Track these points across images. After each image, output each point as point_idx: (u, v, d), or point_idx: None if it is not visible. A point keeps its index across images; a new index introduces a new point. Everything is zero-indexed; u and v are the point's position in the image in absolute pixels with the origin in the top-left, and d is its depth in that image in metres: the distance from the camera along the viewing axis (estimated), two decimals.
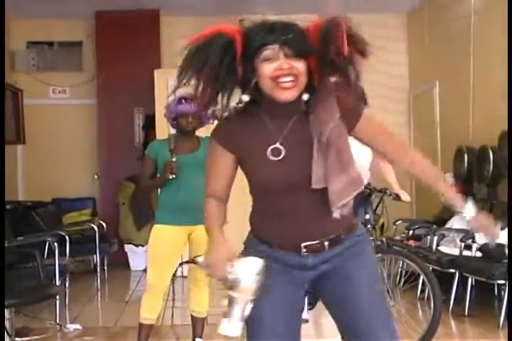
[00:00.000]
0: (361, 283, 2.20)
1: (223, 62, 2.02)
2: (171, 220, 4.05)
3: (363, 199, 4.48)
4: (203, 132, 4.30)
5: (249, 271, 1.99)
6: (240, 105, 2.12)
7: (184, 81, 2.07)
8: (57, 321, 5.12)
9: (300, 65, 2.01)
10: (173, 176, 3.99)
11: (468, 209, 2.22)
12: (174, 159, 4.00)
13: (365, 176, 4.56)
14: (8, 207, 6.66)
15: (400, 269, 5.64)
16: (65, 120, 8.68)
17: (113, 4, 7.89)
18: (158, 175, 4.15)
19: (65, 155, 8.66)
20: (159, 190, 4.24)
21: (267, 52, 2.01)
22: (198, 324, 4.32)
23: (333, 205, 2.09)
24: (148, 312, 4.10)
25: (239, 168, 2.23)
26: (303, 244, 2.17)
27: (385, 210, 5.18)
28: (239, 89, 2.09)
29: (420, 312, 5.30)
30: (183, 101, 4.08)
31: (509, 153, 5.45)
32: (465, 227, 5.86)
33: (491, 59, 6.43)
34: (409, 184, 6.99)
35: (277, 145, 2.11)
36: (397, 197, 4.55)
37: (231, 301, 2.03)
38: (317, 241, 2.17)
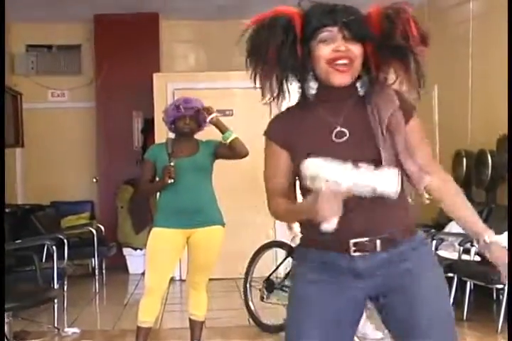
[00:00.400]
0: (429, 307, 2.05)
1: (285, 43, 1.97)
2: (170, 223, 4.06)
3: None
4: (202, 135, 4.32)
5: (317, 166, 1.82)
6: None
7: (253, 66, 2.04)
8: (56, 325, 5.12)
9: (357, 49, 1.97)
10: (172, 181, 4.00)
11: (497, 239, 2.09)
12: (172, 163, 4.01)
13: None
14: (6, 210, 6.66)
15: None
16: (64, 123, 8.68)
17: (112, 8, 7.90)
18: (157, 179, 4.16)
19: (64, 159, 8.65)
20: (158, 193, 4.25)
21: (325, 33, 1.96)
22: (196, 327, 4.32)
23: (418, 184, 2.02)
24: (147, 315, 4.09)
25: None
26: (352, 241, 2.01)
27: None
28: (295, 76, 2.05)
29: None
30: (180, 106, 4.11)
31: (509, 157, 5.45)
32: (463, 231, 5.88)
33: (489, 63, 6.44)
34: None
35: (340, 128, 2.03)
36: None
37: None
38: (368, 239, 2.01)
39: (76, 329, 5.13)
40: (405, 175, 2.02)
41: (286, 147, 2.08)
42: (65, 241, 6.00)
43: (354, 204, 1.91)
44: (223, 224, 4.20)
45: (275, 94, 2.05)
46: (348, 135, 2.02)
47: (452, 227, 6.01)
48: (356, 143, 2.01)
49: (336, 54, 1.95)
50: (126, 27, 8.18)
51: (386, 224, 2.05)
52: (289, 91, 2.05)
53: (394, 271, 2.06)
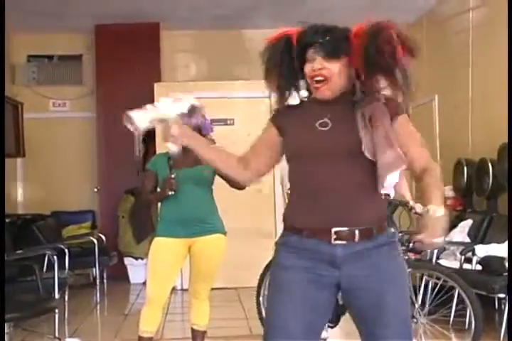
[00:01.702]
0: (392, 312, 2.24)
1: (284, 61, 2.28)
2: (171, 233, 4.06)
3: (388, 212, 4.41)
4: None
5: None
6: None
7: (269, 80, 2.34)
8: (56, 335, 5.10)
9: (333, 66, 2.21)
10: (172, 193, 4.01)
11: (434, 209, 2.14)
12: (173, 175, 4.02)
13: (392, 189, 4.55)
14: (7, 220, 6.65)
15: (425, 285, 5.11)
16: (65, 133, 8.69)
17: (113, 18, 7.93)
18: (158, 190, 4.16)
19: (65, 169, 8.65)
20: (160, 203, 4.25)
21: (309, 53, 2.23)
22: (197, 337, 4.31)
23: (382, 178, 2.18)
24: (148, 325, 4.08)
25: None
26: (333, 229, 2.21)
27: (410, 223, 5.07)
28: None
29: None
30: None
31: (509, 166, 5.45)
32: (465, 240, 5.87)
33: (489, 72, 6.45)
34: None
35: (325, 119, 2.27)
36: (411, 211, 4.47)
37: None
38: (348, 228, 2.21)
39: (77, 340, 5.11)
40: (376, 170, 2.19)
41: (278, 127, 2.37)
42: (66, 250, 5.99)
43: (334, 196, 2.20)
44: (225, 233, 4.20)
45: (283, 99, 2.35)
46: (330, 125, 2.25)
47: (454, 236, 6.01)
48: (337, 132, 2.24)
49: (313, 73, 2.22)
50: (127, 37, 8.21)
51: (364, 216, 2.24)
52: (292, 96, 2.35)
53: (366, 262, 2.25)
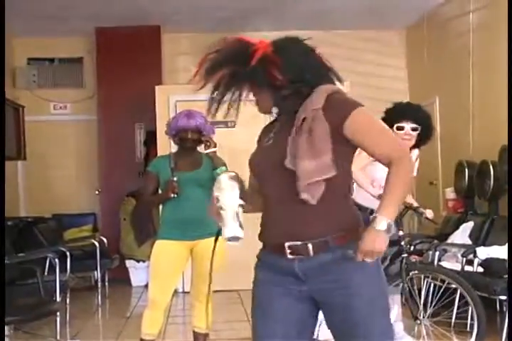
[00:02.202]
0: (361, 330, 2.17)
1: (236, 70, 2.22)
2: (173, 236, 4.07)
3: (397, 216, 4.40)
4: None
5: (221, 186, 2.25)
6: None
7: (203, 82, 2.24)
8: (58, 338, 5.09)
9: (259, 98, 2.29)
10: (175, 195, 4.01)
11: (379, 222, 2.07)
12: (175, 178, 4.02)
13: None
14: (9, 222, 6.65)
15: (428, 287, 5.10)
16: (66, 136, 8.71)
17: (114, 21, 7.94)
18: (159, 192, 4.17)
19: (66, 171, 8.67)
20: (161, 205, 4.26)
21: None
22: (199, 340, 4.31)
23: (298, 184, 2.10)
24: (150, 327, 4.08)
25: None
26: (286, 244, 2.16)
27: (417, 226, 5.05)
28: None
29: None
30: (184, 116, 4.12)
31: (509, 169, 5.45)
32: (466, 242, 5.87)
33: (490, 74, 6.46)
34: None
35: (271, 134, 2.29)
36: (420, 214, 4.45)
37: (221, 215, 2.25)
38: (300, 243, 2.14)
39: None
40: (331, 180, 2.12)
41: None
42: (68, 253, 5.99)
43: (282, 210, 2.18)
44: None
45: (218, 108, 2.30)
46: (272, 140, 2.27)
47: (455, 238, 6.01)
48: (273, 147, 2.24)
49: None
50: (128, 40, 8.22)
51: (316, 228, 2.15)
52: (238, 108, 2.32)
53: (327, 276, 2.16)
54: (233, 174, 2.28)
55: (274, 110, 2.29)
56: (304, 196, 2.10)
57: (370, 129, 2.17)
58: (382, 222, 2.06)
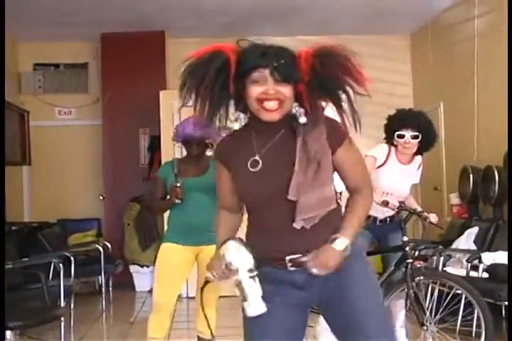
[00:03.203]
0: (363, 310, 2.22)
1: (218, 80, 2.13)
2: (179, 240, 4.09)
3: (400, 222, 4.40)
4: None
5: (231, 252, 2.17)
6: (237, 125, 2.23)
7: (185, 98, 2.18)
8: None
9: (286, 90, 2.13)
10: (179, 201, 4.04)
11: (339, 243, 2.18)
12: (179, 184, 4.05)
13: (402, 197, 4.54)
14: (13, 228, 6.67)
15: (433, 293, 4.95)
16: (71, 141, 8.72)
17: (118, 26, 7.96)
18: (167, 198, 4.20)
19: (71, 176, 8.68)
20: (169, 210, 4.29)
21: (256, 74, 2.12)
22: None
23: (297, 217, 2.16)
24: (156, 332, 4.07)
25: None
26: (287, 258, 2.20)
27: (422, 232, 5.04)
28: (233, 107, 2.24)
29: None
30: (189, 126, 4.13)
31: (509, 174, 5.45)
32: (471, 248, 5.85)
33: (494, 80, 6.45)
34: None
35: (256, 157, 2.22)
36: (426, 220, 4.44)
37: (240, 287, 2.16)
38: (301, 255, 2.19)
39: None
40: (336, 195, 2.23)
41: (226, 167, 2.33)
42: (72, 258, 5.99)
43: (282, 232, 2.20)
44: None
45: (210, 117, 2.20)
46: (260, 165, 2.21)
47: (460, 244, 5.99)
48: (267, 174, 2.19)
49: (264, 96, 2.12)
50: (133, 45, 8.24)
51: (317, 241, 2.20)
52: (225, 117, 2.22)
53: (326, 284, 2.22)
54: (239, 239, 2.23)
55: (242, 117, 2.22)
56: (299, 225, 2.17)
57: (353, 160, 2.27)
58: (342, 243, 2.18)
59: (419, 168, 4.66)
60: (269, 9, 7.48)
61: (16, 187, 8.21)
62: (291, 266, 2.21)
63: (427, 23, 8.19)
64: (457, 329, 4.84)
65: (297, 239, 2.20)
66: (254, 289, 2.15)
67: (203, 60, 2.13)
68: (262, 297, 2.15)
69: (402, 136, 4.41)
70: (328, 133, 2.18)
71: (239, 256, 2.16)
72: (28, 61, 8.68)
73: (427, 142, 4.49)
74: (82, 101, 8.77)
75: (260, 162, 2.21)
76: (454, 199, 6.97)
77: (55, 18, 7.60)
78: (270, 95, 2.11)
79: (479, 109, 6.86)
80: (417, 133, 4.40)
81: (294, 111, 2.18)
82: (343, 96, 2.15)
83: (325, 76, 2.11)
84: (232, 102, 2.21)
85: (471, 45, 6.98)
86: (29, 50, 8.56)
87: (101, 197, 8.51)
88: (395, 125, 4.42)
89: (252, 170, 2.21)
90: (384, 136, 4.55)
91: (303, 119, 2.17)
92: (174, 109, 7.35)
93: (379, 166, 4.43)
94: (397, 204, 4.26)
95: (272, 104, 2.12)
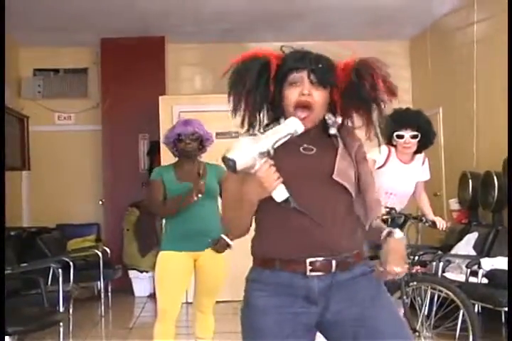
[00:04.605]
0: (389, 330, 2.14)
1: (259, 83, 2.16)
2: (177, 247, 4.05)
3: (397, 226, 4.40)
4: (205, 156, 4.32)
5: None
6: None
7: (234, 105, 2.20)
8: None
9: (319, 94, 2.15)
10: (199, 196, 3.98)
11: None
12: (202, 182, 3.99)
13: (406, 197, 4.55)
14: (12, 233, 6.66)
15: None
16: (70, 146, 8.71)
17: (118, 32, 7.98)
18: (172, 199, 4.10)
19: (70, 181, 8.67)
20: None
21: (294, 75, 2.15)
22: None
23: (373, 216, 2.22)
24: (163, 339, 4.03)
25: None
26: (308, 260, 2.09)
27: (419, 237, 5.05)
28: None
29: None
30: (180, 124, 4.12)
31: (509, 180, 5.45)
32: (470, 253, 5.85)
33: (494, 85, 6.46)
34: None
35: (307, 145, 2.21)
36: (433, 225, 4.42)
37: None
38: (323, 259, 2.10)
39: None
40: (363, 204, 2.20)
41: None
42: (71, 263, 5.98)
43: (309, 223, 2.09)
44: (229, 246, 4.18)
45: (249, 122, 2.20)
46: (314, 150, 2.20)
47: (459, 249, 5.99)
48: (323, 157, 2.18)
49: (301, 98, 2.14)
50: (133, 50, 8.25)
51: (342, 245, 2.14)
52: (262, 121, 2.22)
53: (342, 295, 2.14)
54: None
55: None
56: (366, 226, 2.21)
57: (369, 175, 2.31)
58: (399, 232, 2.20)
59: (423, 163, 4.67)
60: (268, 15, 7.49)
61: (15, 192, 8.21)
62: (311, 271, 2.10)
63: (426, 29, 8.20)
64: (457, 335, 4.84)
65: (324, 236, 2.11)
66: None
67: (243, 66, 2.19)
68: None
69: (401, 137, 4.42)
70: (359, 147, 2.27)
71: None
72: (28, 66, 8.69)
73: (426, 141, 4.52)
74: (82, 106, 8.77)
75: (314, 148, 2.21)
76: (454, 204, 6.97)
77: (55, 24, 7.61)
78: (305, 96, 2.13)
79: (479, 115, 6.86)
80: (416, 133, 4.42)
81: (327, 120, 2.23)
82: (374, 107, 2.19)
83: (361, 85, 2.14)
84: (269, 107, 2.23)
85: (471, 51, 6.99)
86: (29, 55, 8.56)
87: (100, 202, 8.51)
88: (393, 125, 4.43)
89: (306, 152, 2.19)
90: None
91: (333, 130, 2.22)
92: (174, 114, 7.37)
93: (379, 167, 4.44)
94: (397, 207, 4.28)
95: (303, 112, 2.14)
